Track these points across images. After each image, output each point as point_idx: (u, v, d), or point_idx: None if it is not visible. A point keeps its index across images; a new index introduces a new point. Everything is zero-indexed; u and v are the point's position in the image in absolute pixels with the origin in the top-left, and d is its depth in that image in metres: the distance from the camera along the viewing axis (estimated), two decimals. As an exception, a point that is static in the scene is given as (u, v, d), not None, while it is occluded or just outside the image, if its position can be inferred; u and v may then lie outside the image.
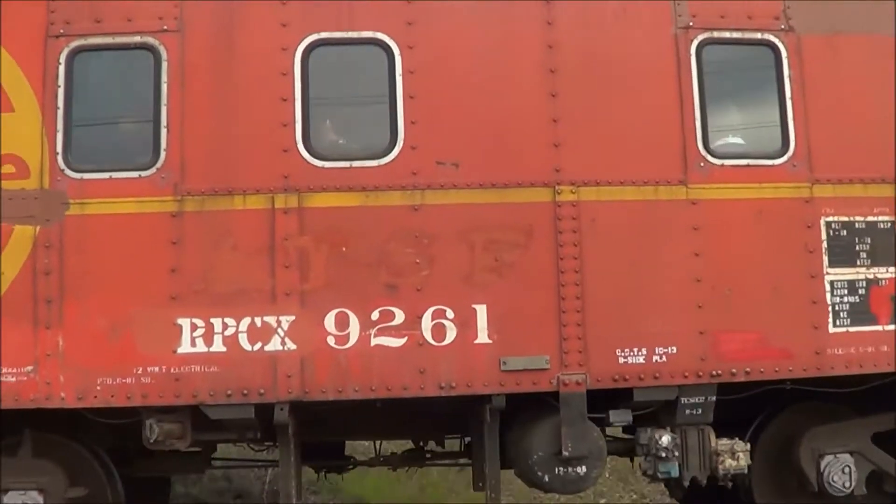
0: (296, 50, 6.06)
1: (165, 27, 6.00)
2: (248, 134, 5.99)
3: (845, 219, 6.40)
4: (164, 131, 5.92)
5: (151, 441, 5.82)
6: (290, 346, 5.85)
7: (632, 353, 6.09)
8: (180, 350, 5.79)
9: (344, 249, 5.96)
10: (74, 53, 5.93)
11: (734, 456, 6.19)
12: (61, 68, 5.90)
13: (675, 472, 6.20)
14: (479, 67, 6.21)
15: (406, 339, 5.94)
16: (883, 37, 6.59)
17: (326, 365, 5.87)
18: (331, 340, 5.89)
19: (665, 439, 6.14)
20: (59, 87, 5.88)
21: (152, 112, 5.93)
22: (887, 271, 6.42)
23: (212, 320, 5.82)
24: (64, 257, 5.79)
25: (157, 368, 5.76)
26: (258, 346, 5.84)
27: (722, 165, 6.32)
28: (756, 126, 6.56)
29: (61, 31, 5.93)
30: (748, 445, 6.33)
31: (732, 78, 6.60)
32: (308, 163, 6.00)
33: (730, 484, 6.36)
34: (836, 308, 6.32)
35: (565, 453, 5.97)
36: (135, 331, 5.77)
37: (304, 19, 6.10)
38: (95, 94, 6.01)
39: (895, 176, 6.47)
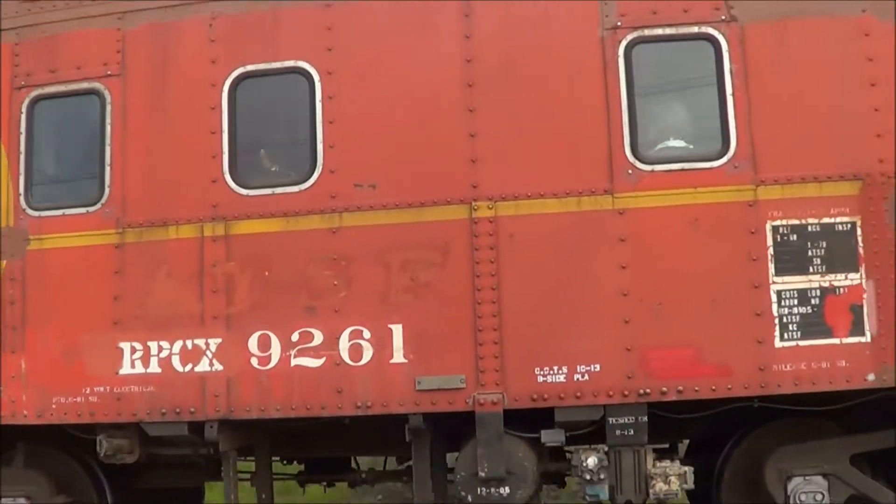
0: (223, 84, 6.46)
1: (109, 72, 6.61)
2: (181, 167, 6.48)
3: (796, 222, 5.97)
4: (108, 169, 6.53)
5: (102, 455, 6.45)
6: (218, 367, 6.29)
7: (552, 372, 6.01)
8: (122, 371, 6.38)
9: (267, 273, 6.31)
10: (34, 102, 6.67)
11: (666, 480, 5.94)
12: (23, 117, 6.67)
13: (603, 496, 6.06)
14: (398, 88, 6.34)
15: (324, 359, 6.20)
16: (842, 18, 6.05)
17: (250, 385, 6.25)
18: (254, 361, 6.26)
19: (591, 461, 6.02)
20: (21, 133, 6.64)
21: (98, 151, 6.54)
22: (846, 278, 5.90)
23: (149, 343, 6.36)
24: (26, 288, 6.55)
25: (102, 388, 6.39)
26: (189, 367, 6.31)
27: (652, 171, 6.08)
28: (694, 127, 6.21)
29: (23, 83, 6.68)
30: (684, 469, 6.04)
31: (668, 77, 6.31)
32: (234, 192, 6.40)
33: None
34: (784, 320, 5.90)
35: (481, 474, 5.99)
36: (84, 354, 6.43)
37: (231, 54, 6.50)
38: (52, 138, 6.72)
39: (858, 171, 5.93)
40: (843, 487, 6.23)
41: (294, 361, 6.22)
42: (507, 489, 6.06)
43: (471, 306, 6.09)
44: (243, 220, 6.37)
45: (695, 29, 6.15)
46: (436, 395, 6.09)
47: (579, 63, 6.19)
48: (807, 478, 6.20)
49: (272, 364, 6.24)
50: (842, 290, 5.91)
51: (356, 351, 6.18)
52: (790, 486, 6.21)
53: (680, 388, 5.93)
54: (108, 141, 6.55)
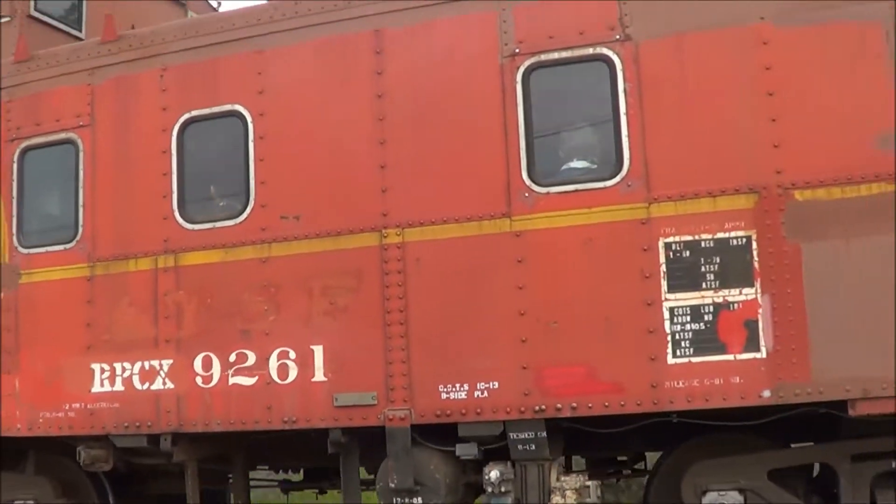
0: (173, 129, 7.22)
1: (81, 123, 7.53)
2: (140, 206, 7.30)
3: (689, 238, 6.04)
4: (81, 209, 7.44)
5: (83, 464, 7.36)
6: (169, 385, 7.06)
7: (454, 389, 6.37)
8: (93, 390, 7.27)
9: (209, 301, 7.02)
10: (24, 152, 7.69)
11: (562, 493, 6.16)
12: (14, 165, 7.69)
13: (508, 508, 6.33)
14: (318, 125, 6.89)
15: (257, 378, 6.84)
16: (738, 28, 6.06)
17: (196, 401, 6.98)
18: (199, 380, 6.98)
19: (493, 474, 6.33)
20: (14, 181, 7.67)
21: (74, 194, 7.47)
22: (741, 293, 5.92)
23: (114, 364, 7.22)
24: (19, 317, 7.57)
25: (78, 405, 7.30)
26: (146, 385, 7.12)
27: (548, 194, 6.31)
28: (592, 148, 6.37)
29: (14, 135, 7.71)
30: (589, 483, 6.24)
31: (564, 100, 6.50)
32: (182, 227, 7.15)
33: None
34: (677, 337, 5.99)
35: (391, 485, 6.44)
36: (63, 374, 7.38)
37: (179, 101, 7.26)
38: (38, 184, 7.70)
39: (754, 184, 5.93)
40: (759, 503, 6.23)
41: (231, 380, 6.90)
42: (419, 500, 6.47)
43: (381, 328, 6.55)
44: (189, 252, 7.11)
45: (590, 50, 6.33)
46: (352, 411, 6.59)
47: (480, 92, 6.51)
48: (722, 492, 6.25)
49: (213, 383, 6.94)
50: (736, 305, 5.93)
51: (283, 370, 6.77)
52: (705, 501, 6.27)
53: (574, 404, 6.14)
54: (81, 184, 7.47)
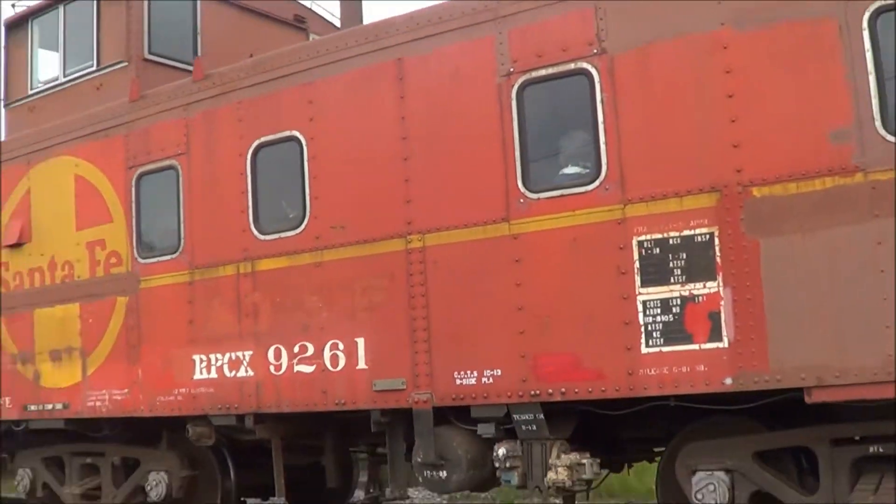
0: (247, 154, 9.25)
1: (180, 151, 9.73)
2: (224, 220, 9.36)
3: (658, 236, 7.18)
4: (182, 225, 9.67)
5: (191, 439, 9.62)
6: (250, 373, 9.11)
7: (466, 376, 7.91)
8: (195, 377, 9.46)
9: (278, 300, 8.98)
10: (139, 178, 10.03)
11: (555, 470, 7.55)
12: (133, 189, 10.05)
13: (514, 482, 7.80)
14: (356, 146, 8.59)
15: (315, 366, 8.71)
16: (698, 35, 7.11)
17: (270, 387, 8.97)
18: (271, 368, 8.97)
19: (501, 451, 7.80)
20: (133, 202, 10.04)
21: (176, 212, 9.72)
22: (704, 287, 7.01)
23: (210, 355, 9.38)
24: (140, 317, 9.93)
25: (184, 390, 9.53)
26: (233, 373, 9.22)
27: (538, 199, 7.67)
28: (576, 156, 7.65)
29: (132, 164, 10.08)
30: (584, 460, 7.57)
31: (553, 113, 7.78)
32: (257, 238, 9.15)
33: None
34: (649, 328, 7.17)
35: (418, 460, 8.12)
36: (172, 364, 9.62)
37: (252, 130, 9.22)
38: (150, 203, 10.00)
39: (715, 183, 6.99)
40: (746, 483, 7.29)
41: (296, 368, 8.81)
42: (444, 473, 8.09)
43: (408, 322, 8.19)
44: (263, 259, 9.10)
45: (572, 65, 7.59)
46: (387, 395, 8.31)
47: (482, 109, 7.92)
48: (710, 472, 7.37)
49: (282, 371, 8.90)
50: (701, 298, 7.02)
51: (335, 359, 8.60)
52: (694, 480, 7.42)
53: (563, 390, 7.48)
54: (181, 205, 9.69)
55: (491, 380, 7.78)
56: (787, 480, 7.23)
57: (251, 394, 9.08)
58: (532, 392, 7.60)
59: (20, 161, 11.11)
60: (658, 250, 7.16)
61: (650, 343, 7.15)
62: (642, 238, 7.22)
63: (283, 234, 8.99)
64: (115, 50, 10.42)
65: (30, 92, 11.37)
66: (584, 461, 7.61)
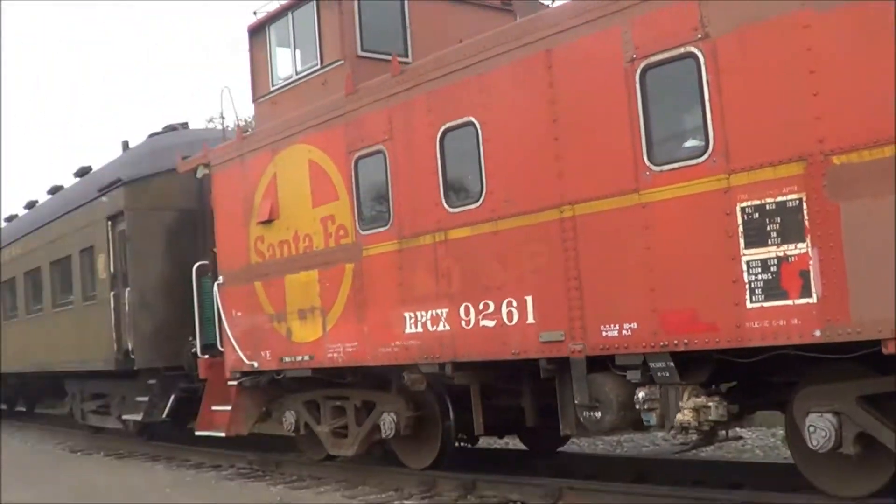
0: (436, 138, 11.74)
1: (385, 137, 12.40)
2: (421, 196, 11.89)
3: (757, 202, 8.82)
4: (391, 201, 12.36)
5: (407, 385, 12.39)
6: (447, 327, 11.64)
7: (610, 329, 9.92)
8: (406, 331, 12.16)
9: (465, 264, 11.42)
10: (357, 161, 12.84)
11: (682, 411, 9.46)
12: (353, 171, 12.88)
13: (652, 422, 9.77)
14: (518, 129, 10.75)
15: (495, 321, 11.09)
16: (783, 16, 8.61)
17: (462, 339, 11.45)
18: (463, 324, 11.45)
19: (641, 395, 9.80)
20: (353, 182, 12.90)
21: (386, 190, 12.44)
22: (796, 248, 8.61)
23: (416, 313, 12.02)
24: (363, 281, 12.78)
25: (399, 343, 12.26)
26: (435, 328, 11.80)
27: (661, 171, 9.53)
28: (690, 131, 9.40)
29: (350, 148, 12.90)
30: (710, 403, 9.41)
31: (671, 94, 9.52)
32: (447, 211, 11.64)
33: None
34: (752, 286, 8.86)
35: (576, 402, 10.33)
36: (389, 321, 12.40)
37: (440, 117, 11.59)
38: (366, 183, 12.78)
39: (802, 152, 8.52)
40: (851, 425, 8.83)
41: (481, 323, 11.26)
42: (598, 414, 10.24)
43: (564, 281, 10.34)
44: (452, 230, 11.58)
45: (682, 50, 9.31)
46: (551, 346, 10.52)
47: (613, 92, 9.78)
48: (820, 414, 8.98)
49: (471, 325, 11.36)
50: (793, 258, 8.56)
51: (510, 315, 10.92)
52: (807, 421, 9.06)
53: (685, 341, 9.34)
54: (389, 183, 12.37)
55: (629, 332, 9.77)
56: (889, 423, 8.68)
57: (448, 345, 11.64)
58: (662, 343, 9.50)
59: (267, 149, 14.36)
60: (757, 215, 8.77)
61: (753, 299, 8.81)
62: (745, 204, 8.85)
63: (467, 207, 11.41)
64: (333, 49, 13.23)
65: (271, 88, 14.51)
66: (711, 404, 9.44)
